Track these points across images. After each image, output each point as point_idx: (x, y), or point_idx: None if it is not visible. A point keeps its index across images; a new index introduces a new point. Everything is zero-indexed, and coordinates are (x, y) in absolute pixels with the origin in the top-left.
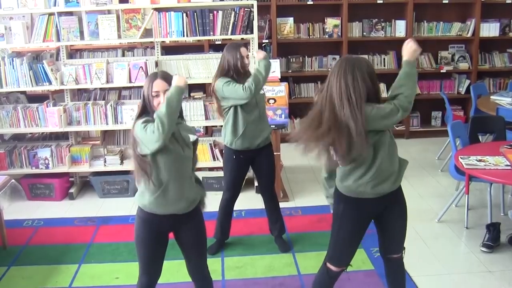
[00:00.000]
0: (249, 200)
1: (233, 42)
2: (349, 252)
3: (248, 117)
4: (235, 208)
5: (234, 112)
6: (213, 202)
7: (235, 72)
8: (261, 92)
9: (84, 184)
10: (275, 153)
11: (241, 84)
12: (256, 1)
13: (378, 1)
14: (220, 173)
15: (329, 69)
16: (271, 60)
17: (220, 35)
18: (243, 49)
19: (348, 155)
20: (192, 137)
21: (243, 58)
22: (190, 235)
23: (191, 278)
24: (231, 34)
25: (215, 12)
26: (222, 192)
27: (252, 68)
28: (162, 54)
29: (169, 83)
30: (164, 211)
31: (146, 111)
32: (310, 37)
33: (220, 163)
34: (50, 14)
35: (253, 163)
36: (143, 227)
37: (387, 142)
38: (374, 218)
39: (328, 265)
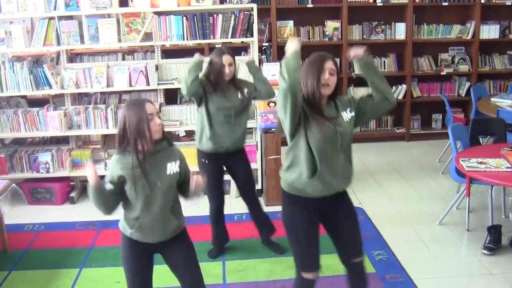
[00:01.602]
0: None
1: (220, 47)
2: (311, 254)
3: (218, 117)
4: (235, 211)
5: (205, 110)
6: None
7: (215, 76)
8: (239, 97)
9: (85, 188)
10: (275, 157)
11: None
12: (256, 5)
13: (378, 4)
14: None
15: None
16: (271, 64)
17: (220, 38)
18: (225, 57)
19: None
20: (172, 169)
21: (223, 66)
22: (178, 256)
23: None
24: (231, 37)
25: (215, 15)
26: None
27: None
28: (162, 58)
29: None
30: (143, 240)
31: (126, 141)
32: (310, 40)
33: None
34: (50, 18)
35: (228, 169)
36: (126, 248)
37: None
38: (323, 222)
39: (302, 274)
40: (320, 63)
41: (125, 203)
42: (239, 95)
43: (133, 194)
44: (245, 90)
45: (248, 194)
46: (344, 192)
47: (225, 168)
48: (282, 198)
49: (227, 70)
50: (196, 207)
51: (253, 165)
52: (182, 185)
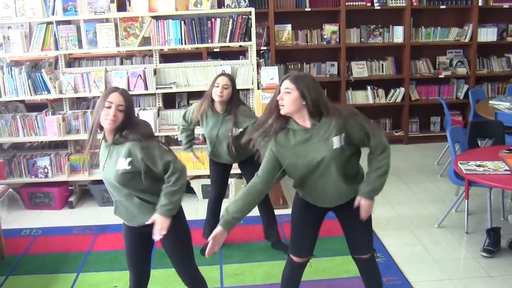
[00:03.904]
0: None
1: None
2: (304, 240)
3: (210, 135)
4: None
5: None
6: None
7: (208, 95)
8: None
9: (84, 193)
10: None
11: (186, 112)
12: (254, 8)
13: (376, 7)
14: None
15: (327, 76)
16: (269, 67)
17: (218, 42)
18: (221, 78)
19: None
20: (122, 165)
21: (218, 85)
22: (166, 240)
23: (183, 282)
24: (229, 41)
25: (213, 19)
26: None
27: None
28: (160, 62)
29: (126, 101)
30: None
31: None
32: (308, 43)
33: None
34: (49, 23)
35: (241, 169)
36: (123, 229)
37: (330, 171)
38: (335, 214)
39: (291, 255)
40: (278, 86)
41: None
42: (233, 128)
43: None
44: (244, 126)
45: None
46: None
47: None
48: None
49: (217, 91)
50: (194, 212)
51: None
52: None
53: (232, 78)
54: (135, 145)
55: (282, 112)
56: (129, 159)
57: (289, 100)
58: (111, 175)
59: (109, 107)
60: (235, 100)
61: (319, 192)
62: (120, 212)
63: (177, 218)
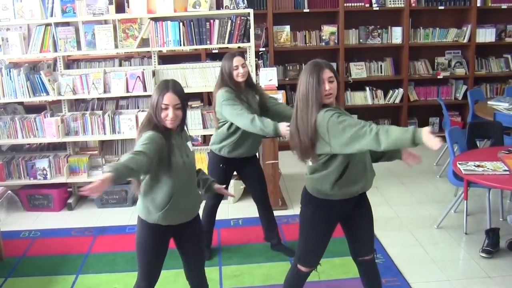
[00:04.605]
0: (246, 209)
1: (230, 51)
2: (318, 253)
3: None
4: (232, 216)
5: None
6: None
7: (230, 81)
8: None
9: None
10: (273, 161)
11: (249, 113)
12: (252, 10)
13: (374, 8)
14: None
15: None
16: (268, 69)
17: (217, 43)
18: (236, 58)
19: (302, 159)
20: (190, 146)
21: (237, 67)
22: (192, 241)
23: (189, 283)
24: (228, 42)
25: (211, 21)
26: (223, 200)
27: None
28: (159, 64)
29: (180, 98)
30: (170, 223)
31: (152, 122)
32: (307, 44)
33: None
34: (47, 25)
35: (241, 173)
36: (146, 235)
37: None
38: (342, 220)
39: (299, 266)
40: (318, 75)
41: (152, 185)
42: (257, 98)
43: (165, 175)
44: (261, 94)
45: (260, 197)
46: (364, 193)
47: (235, 173)
48: (305, 196)
49: (240, 70)
50: None
51: None
52: None
53: (243, 56)
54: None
55: (331, 100)
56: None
57: (335, 88)
58: (193, 159)
59: (166, 109)
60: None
61: (359, 172)
62: (180, 209)
63: (199, 219)
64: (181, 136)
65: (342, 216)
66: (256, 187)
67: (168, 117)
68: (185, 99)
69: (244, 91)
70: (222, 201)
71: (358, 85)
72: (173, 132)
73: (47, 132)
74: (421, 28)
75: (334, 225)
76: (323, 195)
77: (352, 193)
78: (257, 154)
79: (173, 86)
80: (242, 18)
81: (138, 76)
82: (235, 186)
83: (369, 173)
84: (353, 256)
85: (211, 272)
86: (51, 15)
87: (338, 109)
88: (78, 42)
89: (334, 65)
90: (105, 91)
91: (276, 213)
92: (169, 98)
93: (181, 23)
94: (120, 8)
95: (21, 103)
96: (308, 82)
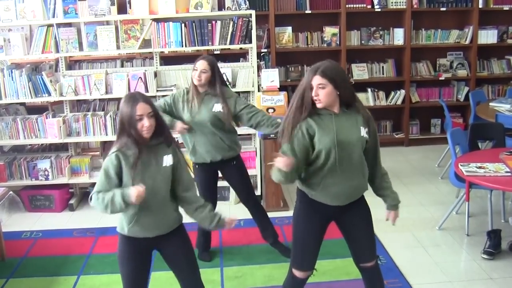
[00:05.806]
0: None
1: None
2: (308, 254)
3: (195, 134)
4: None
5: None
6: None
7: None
8: (218, 110)
9: (84, 195)
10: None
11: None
12: (254, 11)
13: (376, 10)
14: (222, 183)
15: None
16: (270, 70)
17: (219, 45)
18: (199, 62)
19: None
20: (167, 161)
21: (195, 70)
22: (177, 253)
23: None
24: (230, 44)
25: (213, 22)
26: (224, 201)
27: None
28: (161, 64)
29: (152, 106)
30: (145, 235)
31: (124, 133)
32: (309, 46)
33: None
34: (49, 26)
35: (223, 177)
36: (122, 247)
37: (354, 157)
38: (337, 224)
39: (293, 270)
40: (308, 82)
41: None
42: (220, 107)
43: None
44: (229, 102)
45: (246, 199)
46: (360, 199)
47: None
48: (297, 194)
49: (195, 74)
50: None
51: (252, 171)
52: (176, 183)
53: (211, 62)
54: (172, 148)
55: (319, 106)
56: (171, 156)
57: (325, 94)
58: (163, 180)
59: (140, 120)
60: (217, 84)
61: (338, 183)
62: (148, 225)
63: (183, 229)
64: (157, 149)
65: (327, 220)
66: (237, 189)
67: (145, 126)
68: (154, 107)
69: (202, 99)
70: (223, 202)
71: (360, 86)
72: (144, 147)
73: (48, 133)
74: (423, 29)
75: (318, 226)
76: (305, 189)
77: (332, 202)
78: (237, 156)
79: (141, 96)
80: (244, 19)
81: (140, 77)
82: None
83: (354, 190)
84: (355, 262)
85: (212, 274)
86: (53, 16)
87: (306, 129)
88: (80, 43)
89: None
90: (107, 92)
91: (278, 214)
92: (141, 108)
93: (183, 24)
94: (122, 9)
95: (23, 104)
96: (301, 84)
